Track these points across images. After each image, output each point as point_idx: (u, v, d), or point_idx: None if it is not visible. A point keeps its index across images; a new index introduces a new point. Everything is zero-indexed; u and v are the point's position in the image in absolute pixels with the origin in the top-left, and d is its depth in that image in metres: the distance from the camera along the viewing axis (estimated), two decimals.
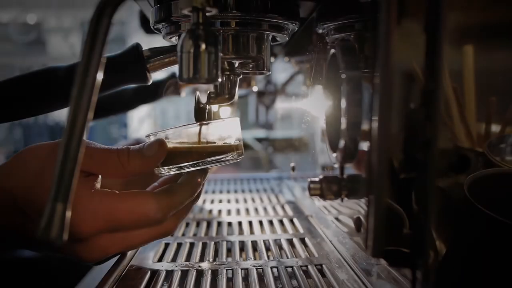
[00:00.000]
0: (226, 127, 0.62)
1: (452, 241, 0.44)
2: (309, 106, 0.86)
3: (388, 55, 0.40)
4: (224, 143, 0.62)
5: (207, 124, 0.61)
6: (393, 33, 0.39)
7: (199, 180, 0.61)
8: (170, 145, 0.59)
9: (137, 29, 1.18)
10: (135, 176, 0.59)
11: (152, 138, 0.60)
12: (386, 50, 0.40)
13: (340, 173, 0.61)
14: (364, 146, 0.49)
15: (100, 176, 0.58)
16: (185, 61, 0.46)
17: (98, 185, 0.57)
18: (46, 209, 0.38)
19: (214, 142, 0.61)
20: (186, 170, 0.60)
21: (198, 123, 0.61)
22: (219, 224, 0.89)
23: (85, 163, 0.54)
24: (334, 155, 0.64)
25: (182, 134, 0.60)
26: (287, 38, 0.66)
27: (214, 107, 0.67)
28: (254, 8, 0.57)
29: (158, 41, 0.67)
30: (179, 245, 0.76)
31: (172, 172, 0.61)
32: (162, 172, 0.61)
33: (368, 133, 0.45)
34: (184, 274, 0.63)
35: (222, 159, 0.61)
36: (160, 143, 0.58)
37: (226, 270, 0.64)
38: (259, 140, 2.23)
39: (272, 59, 1.18)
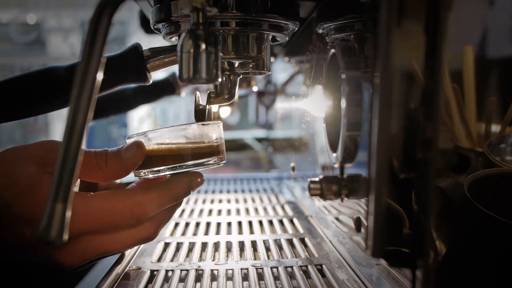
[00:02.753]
0: (208, 130, 0.60)
1: (452, 241, 0.44)
2: (309, 106, 0.86)
3: (388, 55, 0.40)
4: (207, 147, 0.59)
5: (189, 126, 0.60)
6: (393, 33, 0.39)
7: (183, 181, 0.58)
8: (149, 147, 0.57)
9: (137, 29, 1.18)
10: (115, 179, 0.58)
11: (132, 140, 0.58)
12: (386, 50, 0.40)
13: (340, 173, 0.61)
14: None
15: (78, 179, 0.57)
16: (185, 61, 0.46)
17: (76, 188, 0.56)
18: (46, 209, 0.38)
19: (196, 146, 0.59)
20: (166, 173, 0.58)
21: (181, 125, 0.60)
22: (219, 224, 0.89)
23: None
24: (334, 155, 0.64)
25: (163, 136, 0.59)
26: (287, 38, 0.66)
27: (214, 107, 0.67)
28: (254, 8, 0.57)
29: (158, 41, 0.67)
30: (179, 245, 0.76)
31: (151, 175, 0.59)
32: (142, 175, 0.59)
33: (368, 133, 0.45)
34: (184, 274, 0.63)
35: (203, 163, 0.59)
36: (138, 145, 0.57)
37: (226, 270, 0.64)
38: (259, 140, 2.23)
39: (272, 59, 1.18)
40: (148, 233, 0.58)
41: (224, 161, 0.62)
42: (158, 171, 0.58)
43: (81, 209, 0.52)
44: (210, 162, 0.60)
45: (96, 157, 0.56)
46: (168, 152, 0.58)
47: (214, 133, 0.61)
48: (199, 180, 0.59)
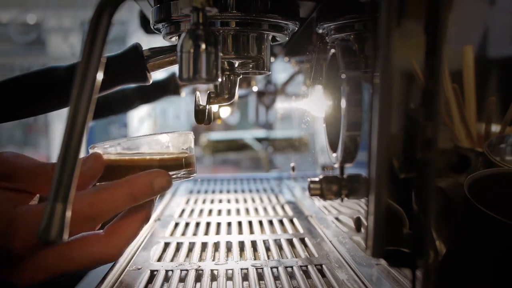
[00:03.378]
0: (178, 141, 0.57)
1: (452, 241, 0.44)
2: (309, 106, 0.86)
3: (388, 55, 0.40)
4: (174, 158, 0.56)
5: (156, 136, 0.56)
6: (393, 33, 0.39)
7: (142, 180, 0.52)
8: (112, 157, 0.54)
9: (137, 29, 1.18)
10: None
11: (94, 150, 0.55)
12: (386, 50, 0.40)
13: (340, 173, 0.61)
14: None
15: (37, 194, 0.54)
16: (185, 61, 0.46)
17: (35, 202, 0.53)
18: (46, 209, 0.38)
19: (162, 158, 0.55)
20: None
21: (148, 135, 0.57)
22: (219, 224, 0.89)
23: (16, 179, 0.51)
24: (334, 155, 0.64)
25: (129, 147, 0.56)
26: (287, 38, 0.66)
27: (214, 107, 0.67)
28: (254, 8, 0.57)
29: (158, 41, 0.67)
30: (179, 245, 0.76)
31: None
32: None
33: (368, 133, 0.45)
34: (184, 274, 0.63)
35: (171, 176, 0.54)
36: (95, 158, 0.53)
37: (226, 270, 0.64)
38: (259, 140, 2.23)
39: (272, 59, 1.18)
40: (112, 252, 0.53)
41: (194, 174, 0.58)
42: None
43: (35, 219, 0.48)
44: (179, 175, 0.56)
45: (53, 170, 0.51)
46: (131, 163, 0.55)
47: (184, 144, 0.57)
48: (162, 179, 0.53)
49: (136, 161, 0.55)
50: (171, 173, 0.54)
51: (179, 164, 0.56)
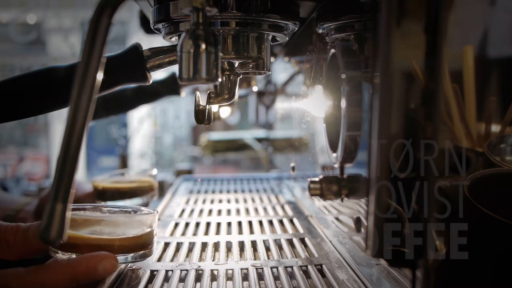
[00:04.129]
0: (134, 221, 0.59)
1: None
2: (309, 106, 0.86)
3: (388, 55, 0.40)
4: (126, 239, 0.57)
5: (111, 215, 0.59)
6: (393, 33, 0.39)
7: (85, 262, 0.53)
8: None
9: (137, 29, 1.18)
10: (24, 257, 0.55)
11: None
12: (386, 50, 0.40)
13: (340, 173, 0.61)
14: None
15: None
16: (185, 61, 0.46)
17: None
18: (46, 209, 0.38)
19: (113, 238, 0.57)
20: None
21: (106, 211, 0.61)
22: (219, 224, 0.89)
23: None
24: (334, 155, 0.64)
25: (82, 216, 0.58)
26: (287, 38, 0.66)
27: (214, 107, 0.67)
28: (254, 8, 0.57)
29: (158, 41, 0.67)
30: (179, 245, 0.76)
31: (66, 257, 0.56)
32: (58, 256, 0.56)
33: (368, 133, 0.45)
34: (184, 274, 0.63)
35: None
36: None
37: (226, 270, 0.64)
38: (259, 140, 2.23)
39: (272, 59, 1.18)
40: None
41: (149, 256, 0.61)
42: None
43: None
44: (128, 259, 0.58)
45: (5, 232, 0.54)
46: (80, 240, 0.55)
47: (141, 225, 0.59)
48: (109, 264, 0.54)
49: (88, 239, 0.56)
50: (120, 257, 0.56)
51: (133, 247, 0.58)
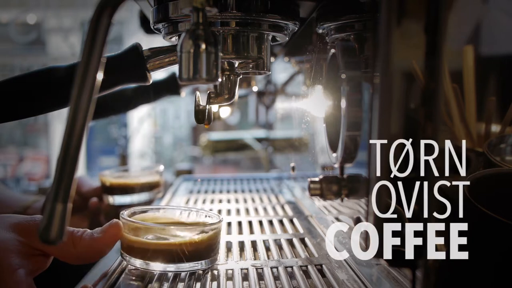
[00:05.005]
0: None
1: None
2: (309, 106, 0.86)
3: (388, 55, 0.40)
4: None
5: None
6: (393, 33, 0.39)
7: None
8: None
9: (137, 29, 1.18)
10: (84, 262, 0.59)
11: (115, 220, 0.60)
12: (386, 50, 0.40)
13: (340, 173, 0.61)
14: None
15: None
16: (185, 61, 0.46)
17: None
18: (46, 209, 0.38)
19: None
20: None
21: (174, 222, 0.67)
22: None
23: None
24: (334, 155, 0.64)
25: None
26: (287, 38, 0.66)
27: (214, 107, 0.67)
28: (254, 8, 0.57)
29: (158, 41, 0.67)
30: None
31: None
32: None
33: (368, 133, 0.45)
34: (184, 273, 0.63)
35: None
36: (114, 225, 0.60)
37: (226, 270, 0.64)
38: (259, 140, 2.23)
39: (272, 59, 1.18)
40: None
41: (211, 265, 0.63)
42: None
43: None
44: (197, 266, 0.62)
45: (73, 232, 0.57)
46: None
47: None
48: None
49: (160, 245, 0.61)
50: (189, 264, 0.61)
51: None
